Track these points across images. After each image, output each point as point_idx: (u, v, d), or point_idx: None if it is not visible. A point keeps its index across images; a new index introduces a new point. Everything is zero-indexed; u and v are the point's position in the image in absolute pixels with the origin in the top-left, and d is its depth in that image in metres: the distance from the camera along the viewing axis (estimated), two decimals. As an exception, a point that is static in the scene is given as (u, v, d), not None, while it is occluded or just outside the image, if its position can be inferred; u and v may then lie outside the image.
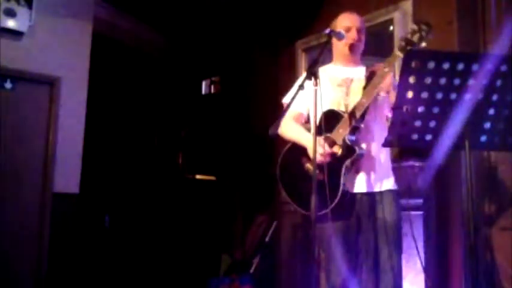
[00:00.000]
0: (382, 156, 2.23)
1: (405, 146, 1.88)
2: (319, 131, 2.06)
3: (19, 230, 3.97)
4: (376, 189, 2.20)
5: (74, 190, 4.24)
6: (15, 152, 4.02)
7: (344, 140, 2.12)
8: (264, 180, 4.58)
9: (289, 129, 2.34)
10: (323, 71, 2.34)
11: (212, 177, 5.26)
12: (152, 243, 4.88)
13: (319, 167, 2.01)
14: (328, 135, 2.14)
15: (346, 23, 2.29)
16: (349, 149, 2.12)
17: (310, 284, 1.92)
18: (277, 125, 2.01)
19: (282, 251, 4.13)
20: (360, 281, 2.17)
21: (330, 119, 2.15)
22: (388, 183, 2.23)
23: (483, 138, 1.70)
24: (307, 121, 2.44)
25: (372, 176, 2.19)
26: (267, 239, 4.30)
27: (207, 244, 4.82)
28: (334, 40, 2.31)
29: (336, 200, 2.07)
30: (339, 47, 2.33)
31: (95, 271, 4.35)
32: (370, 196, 2.19)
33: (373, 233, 2.16)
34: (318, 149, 1.97)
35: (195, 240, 4.86)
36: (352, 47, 2.29)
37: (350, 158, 2.11)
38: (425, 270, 2.73)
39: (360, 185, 2.19)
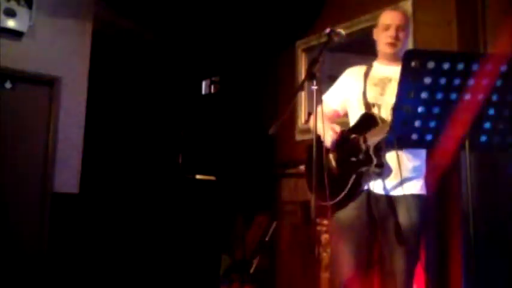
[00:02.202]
0: (412, 159, 2.15)
1: (405, 146, 1.87)
2: (357, 131, 2.17)
3: (19, 229, 3.98)
4: (397, 192, 2.13)
5: (74, 190, 4.25)
6: (15, 152, 4.02)
7: (368, 149, 2.09)
8: (264, 180, 4.58)
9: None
10: (363, 69, 2.33)
11: (212, 177, 5.26)
12: (152, 243, 4.88)
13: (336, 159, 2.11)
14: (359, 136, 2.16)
15: (386, 20, 2.24)
16: (369, 158, 2.08)
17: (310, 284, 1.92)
18: (277, 125, 2.01)
19: (282, 251, 4.13)
20: (366, 282, 2.15)
21: (367, 122, 2.15)
22: (413, 188, 2.15)
23: (483, 138, 1.69)
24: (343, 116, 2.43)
25: (395, 179, 2.11)
26: (267, 239, 4.30)
27: (207, 244, 4.82)
28: (375, 37, 2.32)
29: (340, 196, 2.09)
30: (379, 45, 2.29)
31: (95, 271, 4.35)
32: (390, 199, 2.14)
33: (387, 235, 2.13)
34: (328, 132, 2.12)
35: (195, 240, 4.86)
36: (390, 46, 2.23)
37: (366, 166, 2.09)
38: (425, 270, 2.72)
39: (381, 186, 2.14)
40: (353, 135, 2.19)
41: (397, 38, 2.21)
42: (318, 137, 2.15)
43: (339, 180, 2.13)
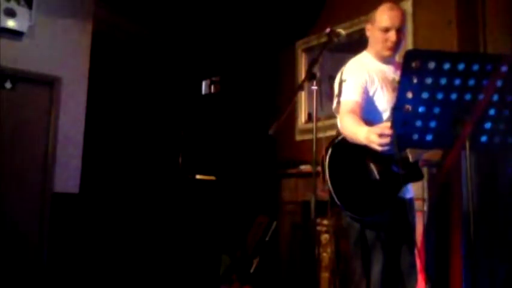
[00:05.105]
0: None
1: (406, 146, 1.86)
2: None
3: (19, 229, 3.97)
4: (410, 195, 2.19)
5: (74, 190, 4.25)
6: (15, 152, 4.02)
7: (416, 162, 2.00)
8: (264, 180, 4.58)
9: (346, 124, 2.01)
10: (369, 66, 2.17)
11: (212, 177, 5.26)
12: (152, 243, 4.88)
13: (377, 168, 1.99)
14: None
15: (385, 22, 2.09)
16: (419, 174, 2.00)
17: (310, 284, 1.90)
18: (277, 125, 1.99)
19: (282, 251, 4.13)
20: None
21: None
22: (412, 190, 2.22)
23: (483, 138, 1.69)
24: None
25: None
26: (267, 239, 4.30)
27: (207, 244, 4.82)
28: (370, 34, 2.19)
29: (388, 209, 2.02)
30: (376, 45, 2.16)
31: (95, 271, 4.34)
32: (409, 201, 2.18)
33: (403, 236, 2.14)
34: (373, 138, 1.79)
35: (195, 240, 4.86)
36: (390, 50, 2.12)
37: (416, 180, 2.05)
38: (426, 270, 2.73)
39: (407, 191, 2.15)
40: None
41: (399, 42, 2.12)
42: (339, 139, 2.08)
43: (380, 190, 2.02)
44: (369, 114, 2.06)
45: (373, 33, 2.17)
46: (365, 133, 1.83)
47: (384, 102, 2.10)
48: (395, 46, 2.12)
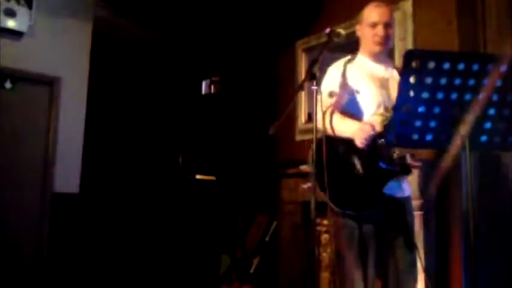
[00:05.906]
0: None
1: (405, 146, 1.87)
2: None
3: (19, 229, 3.98)
4: (405, 194, 2.19)
5: (74, 190, 4.25)
6: (15, 152, 4.02)
7: (404, 158, 2.02)
8: (264, 180, 4.58)
9: (336, 121, 2.11)
10: (358, 65, 2.23)
11: (212, 177, 5.26)
12: (152, 243, 4.88)
13: (362, 163, 2.03)
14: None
15: (372, 18, 2.17)
16: (405, 169, 2.03)
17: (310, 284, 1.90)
18: (277, 125, 2.00)
19: (282, 251, 4.13)
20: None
21: None
22: (409, 190, 2.24)
23: (483, 138, 1.69)
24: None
25: (403, 181, 2.18)
26: (267, 239, 4.30)
27: (207, 244, 4.83)
28: (359, 33, 2.25)
29: (375, 204, 2.03)
30: (366, 43, 2.22)
31: (95, 271, 4.35)
32: (400, 200, 2.18)
33: (400, 235, 2.14)
34: (361, 135, 1.98)
35: (195, 240, 4.87)
36: (380, 45, 2.18)
37: (402, 175, 2.07)
38: (425, 270, 2.73)
39: (398, 189, 2.16)
40: (381, 140, 2.02)
41: (386, 36, 2.18)
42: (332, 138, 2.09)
43: (364, 185, 2.03)
44: (353, 109, 2.15)
45: (362, 31, 2.24)
46: (354, 128, 2.00)
47: (369, 98, 2.15)
48: (384, 41, 2.18)
